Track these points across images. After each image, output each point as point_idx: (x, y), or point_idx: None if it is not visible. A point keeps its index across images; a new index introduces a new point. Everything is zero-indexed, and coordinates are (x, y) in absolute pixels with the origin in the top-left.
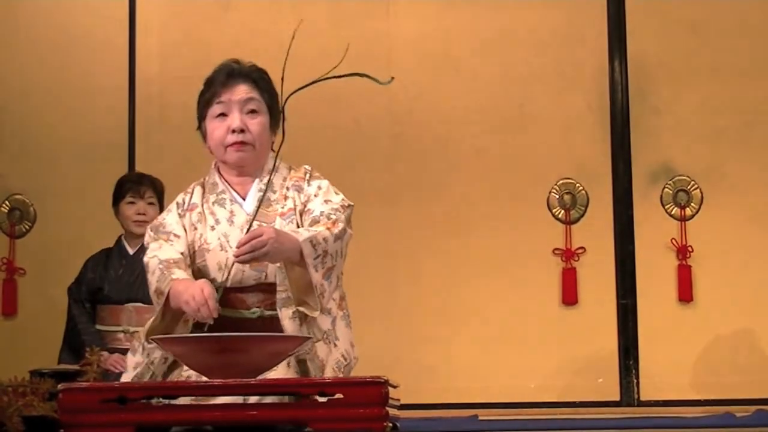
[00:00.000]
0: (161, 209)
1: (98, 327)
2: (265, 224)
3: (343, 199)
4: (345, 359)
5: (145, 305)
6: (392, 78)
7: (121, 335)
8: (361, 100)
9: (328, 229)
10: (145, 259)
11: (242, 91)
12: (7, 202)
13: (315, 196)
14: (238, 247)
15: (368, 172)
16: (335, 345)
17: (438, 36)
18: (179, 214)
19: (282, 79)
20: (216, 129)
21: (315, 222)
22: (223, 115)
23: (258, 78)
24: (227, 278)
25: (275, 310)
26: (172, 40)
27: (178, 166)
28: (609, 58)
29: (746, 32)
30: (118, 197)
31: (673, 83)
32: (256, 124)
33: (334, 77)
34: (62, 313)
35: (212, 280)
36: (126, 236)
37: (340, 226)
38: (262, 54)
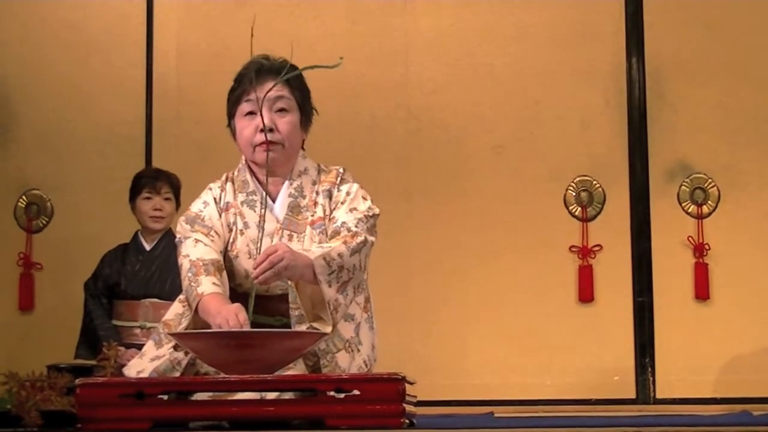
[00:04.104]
0: (178, 205)
1: (115, 322)
2: (295, 233)
3: (369, 208)
4: (366, 365)
5: (162, 301)
6: (341, 59)
7: (138, 330)
8: (377, 96)
9: (345, 242)
10: (179, 260)
11: (271, 88)
12: (24, 197)
13: (342, 203)
14: (255, 268)
15: (384, 167)
16: (358, 351)
17: (454, 32)
18: (218, 211)
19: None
20: (245, 128)
21: (336, 233)
22: (251, 113)
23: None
24: (250, 306)
25: None
26: (189, 37)
27: (195, 161)
28: (626, 56)
29: (763, 31)
30: (134, 193)
31: (690, 81)
32: (286, 123)
33: (289, 76)
34: (79, 308)
35: (237, 286)
36: (142, 232)
37: (359, 238)
38: (278, 51)
